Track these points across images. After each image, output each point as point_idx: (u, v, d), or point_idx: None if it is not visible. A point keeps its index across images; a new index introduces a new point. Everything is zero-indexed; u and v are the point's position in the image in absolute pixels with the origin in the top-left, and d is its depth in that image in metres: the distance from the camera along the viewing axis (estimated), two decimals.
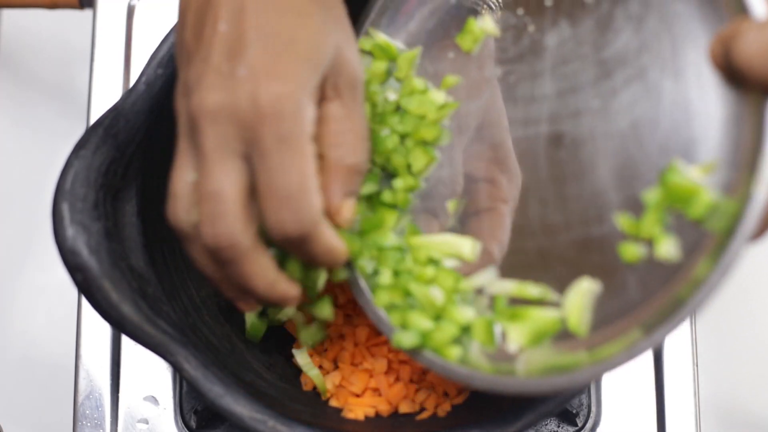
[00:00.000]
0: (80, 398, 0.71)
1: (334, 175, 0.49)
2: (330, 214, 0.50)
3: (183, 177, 0.49)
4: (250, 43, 0.47)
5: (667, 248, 0.48)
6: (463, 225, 0.56)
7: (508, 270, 0.54)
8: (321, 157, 0.50)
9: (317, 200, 0.48)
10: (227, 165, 0.47)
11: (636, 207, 0.50)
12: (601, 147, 0.52)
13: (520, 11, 0.56)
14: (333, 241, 0.50)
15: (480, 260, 0.54)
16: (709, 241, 0.46)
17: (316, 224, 0.48)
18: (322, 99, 0.50)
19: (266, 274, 0.50)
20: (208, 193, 0.48)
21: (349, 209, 0.50)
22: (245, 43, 0.47)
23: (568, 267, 0.51)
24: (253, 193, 0.48)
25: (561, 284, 0.51)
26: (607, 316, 0.49)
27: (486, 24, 0.57)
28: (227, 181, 0.47)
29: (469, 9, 0.58)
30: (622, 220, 0.50)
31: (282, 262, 0.53)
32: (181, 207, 0.49)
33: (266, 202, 0.47)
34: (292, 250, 0.49)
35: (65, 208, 0.55)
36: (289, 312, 0.67)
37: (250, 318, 0.68)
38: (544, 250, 0.53)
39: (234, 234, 0.48)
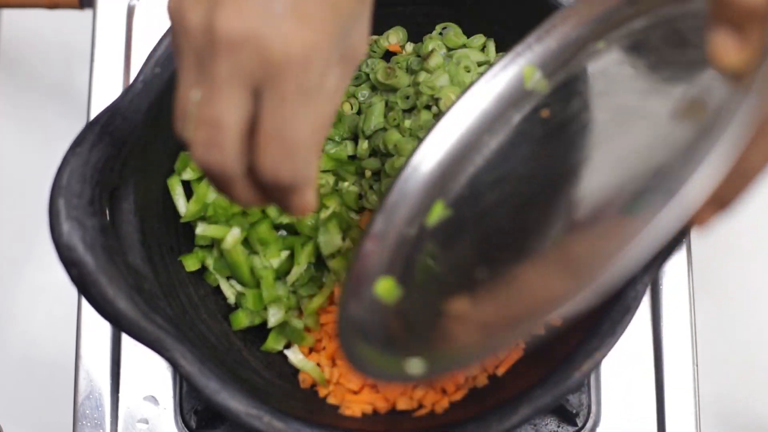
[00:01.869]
0: (80, 398, 0.71)
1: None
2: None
3: (187, 95, 0.47)
4: None
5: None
6: None
7: None
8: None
9: (318, 159, 0.48)
10: (235, 96, 0.46)
11: None
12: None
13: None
14: (312, 199, 0.49)
15: None
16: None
17: (311, 180, 0.48)
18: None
19: (251, 198, 0.49)
20: (207, 119, 0.46)
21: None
22: None
23: None
24: (252, 128, 0.47)
25: None
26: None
27: None
28: (231, 112, 0.46)
29: None
30: None
31: None
32: (187, 125, 0.48)
33: (268, 145, 0.46)
34: (273, 192, 0.49)
35: (61, 203, 0.55)
36: (279, 315, 0.68)
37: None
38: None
39: (225, 164, 0.47)
